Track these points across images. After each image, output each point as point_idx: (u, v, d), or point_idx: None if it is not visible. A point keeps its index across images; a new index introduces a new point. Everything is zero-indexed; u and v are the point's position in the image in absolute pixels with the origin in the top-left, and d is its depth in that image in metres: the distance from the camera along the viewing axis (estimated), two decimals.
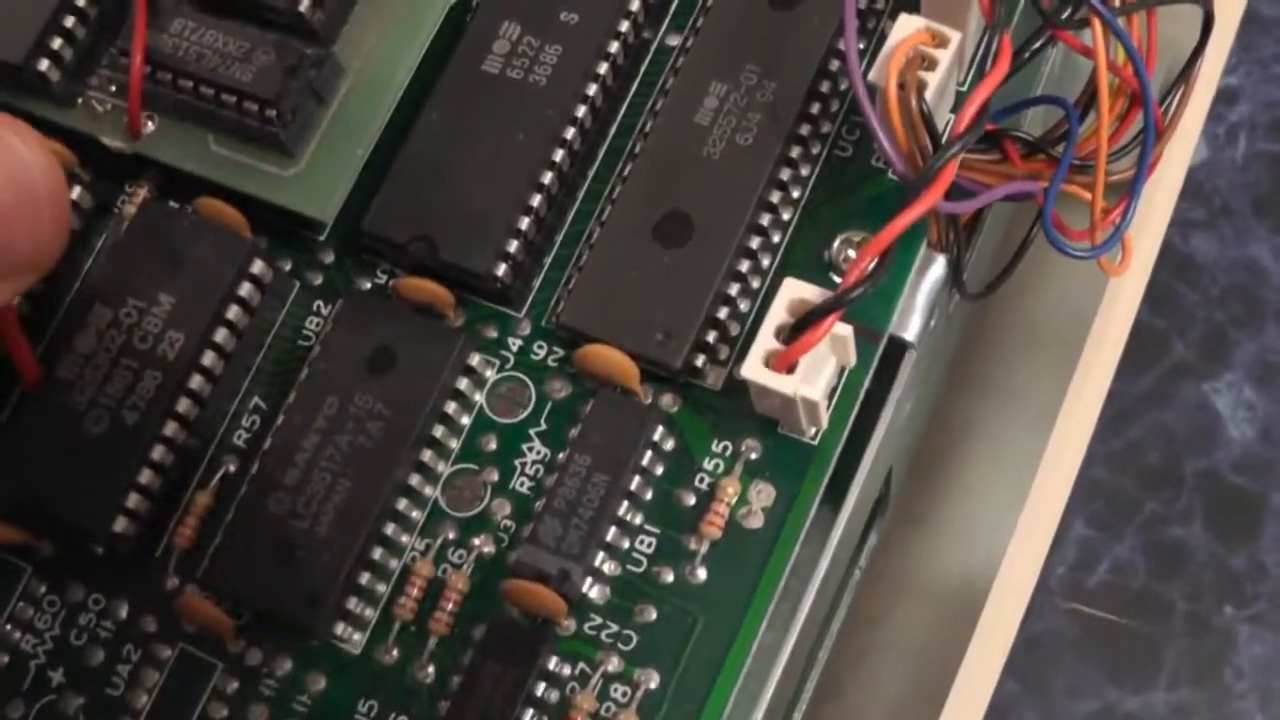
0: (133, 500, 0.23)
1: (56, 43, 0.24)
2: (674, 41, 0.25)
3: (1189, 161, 0.29)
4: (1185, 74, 0.25)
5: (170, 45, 0.24)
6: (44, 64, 0.24)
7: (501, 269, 0.23)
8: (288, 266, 0.25)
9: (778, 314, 0.22)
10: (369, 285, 0.24)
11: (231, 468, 0.24)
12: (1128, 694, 0.30)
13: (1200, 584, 0.30)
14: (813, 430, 0.23)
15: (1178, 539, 0.31)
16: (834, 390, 0.23)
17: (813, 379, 0.22)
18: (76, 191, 0.25)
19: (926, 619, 0.29)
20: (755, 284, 0.24)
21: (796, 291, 0.22)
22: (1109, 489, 0.31)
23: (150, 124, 0.24)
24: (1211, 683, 0.30)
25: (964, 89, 0.25)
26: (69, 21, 0.24)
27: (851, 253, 0.24)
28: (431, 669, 0.23)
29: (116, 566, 0.24)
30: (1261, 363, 0.32)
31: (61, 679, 0.24)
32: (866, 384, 0.23)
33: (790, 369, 0.21)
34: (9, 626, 0.24)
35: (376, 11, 0.24)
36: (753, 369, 0.21)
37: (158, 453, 0.23)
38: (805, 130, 0.24)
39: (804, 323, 0.21)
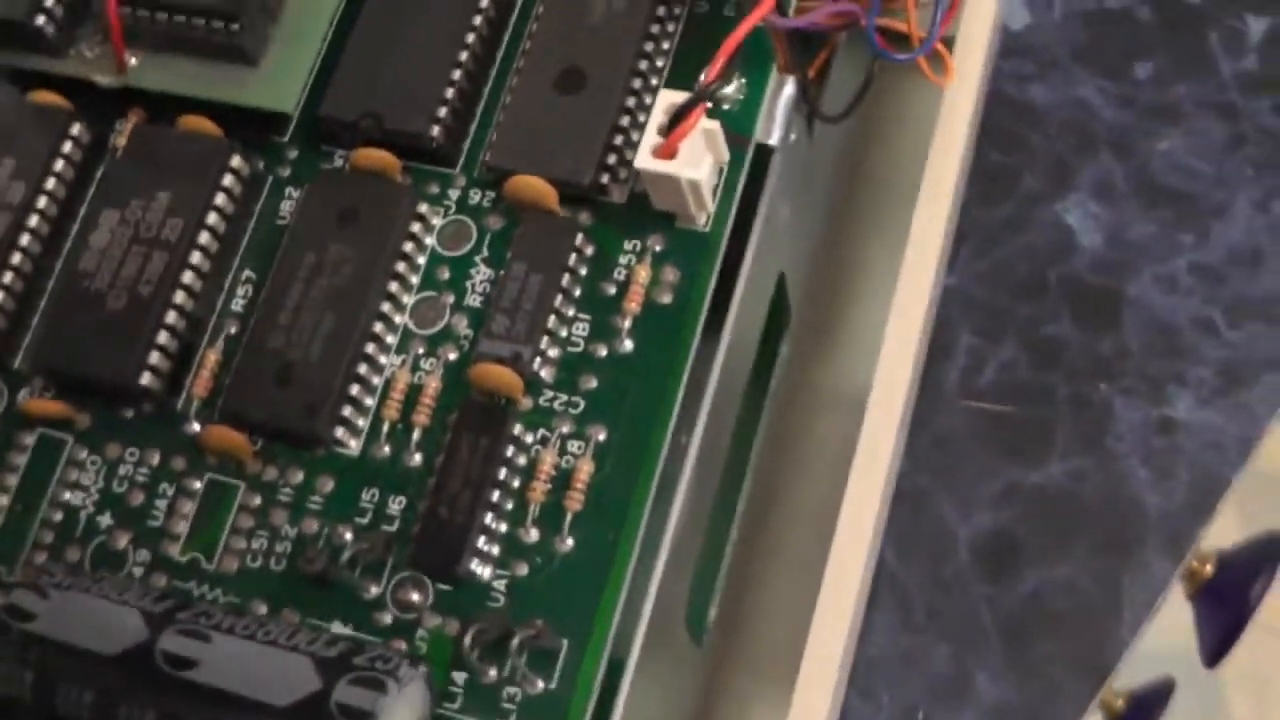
0: (154, 358, 0.28)
1: (49, 1, 0.30)
2: None
3: (997, 3, 0.34)
4: None
5: None
6: (40, 19, 0.30)
7: (435, 130, 0.29)
8: (261, 165, 0.30)
9: (657, 117, 0.27)
10: (328, 168, 0.30)
11: (233, 329, 0.29)
12: (1029, 470, 0.35)
13: (1075, 370, 0.35)
14: (703, 217, 0.28)
15: (1051, 335, 0.36)
16: (717, 187, 0.28)
17: (694, 164, 0.27)
18: (75, 129, 0.30)
19: (838, 423, 0.34)
20: (641, 117, 0.29)
21: (670, 98, 0.27)
22: (987, 302, 0.36)
23: (133, 60, 0.30)
24: (1097, 449, 0.35)
25: None
26: None
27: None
28: (419, 456, 0.27)
29: (145, 422, 0.28)
30: (1100, 182, 0.37)
31: (109, 521, 0.28)
32: (742, 180, 0.28)
33: (673, 156, 0.27)
34: (59, 488, 0.29)
35: None
36: (643, 160, 0.27)
37: (170, 317, 0.28)
38: None
39: (677, 116, 0.27)
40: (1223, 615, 0.39)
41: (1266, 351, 0.35)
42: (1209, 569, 0.38)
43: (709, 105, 0.26)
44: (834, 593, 0.31)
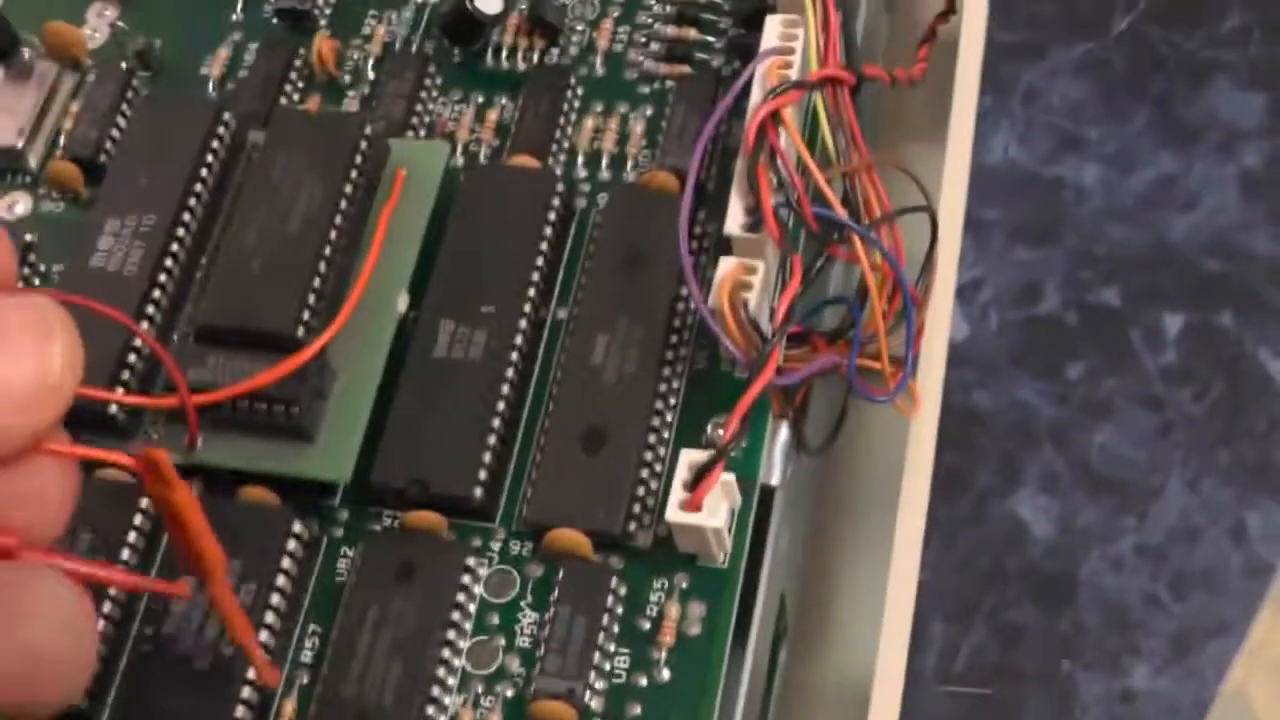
0: (239, 711, 0.31)
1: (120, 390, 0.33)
2: (563, 314, 0.35)
3: (948, 331, 0.39)
4: (927, 260, 0.35)
5: (210, 375, 0.33)
6: (113, 408, 0.33)
7: (477, 491, 0.33)
8: (316, 527, 0.34)
9: (681, 473, 0.31)
10: (379, 528, 0.33)
11: (304, 679, 0.32)
12: None
13: (1039, 650, 0.39)
14: (721, 556, 0.32)
15: (1015, 620, 0.40)
16: (731, 527, 0.32)
17: (715, 513, 0.31)
18: (144, 503, 0.34)
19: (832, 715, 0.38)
20: (658, 468, 0.33)
21: (691, 457, 0.31)
22: (955, 593, 0.40)
23: (199, 439, 0.33)
24: None
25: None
26: (125, 375, 0.34)
27: (721, 431, 0.33)
28: None
29: None
30: (1045, 475, 0.41)
31: None
32: (751, 519, 0.33)
33: (698, 509, 0.31)
34: None
35: (352, 328, 0.34)
36: (673, 514, 0.31)
37: (250, 674, 0.32)
38: (670, 355, 0.34)
39: (700, 475, 0.31)
40: None
41: (1209, 620, 0.40)
42: None
43: (725, 462, 0.31)
44: None
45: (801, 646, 0.39)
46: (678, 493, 0.31)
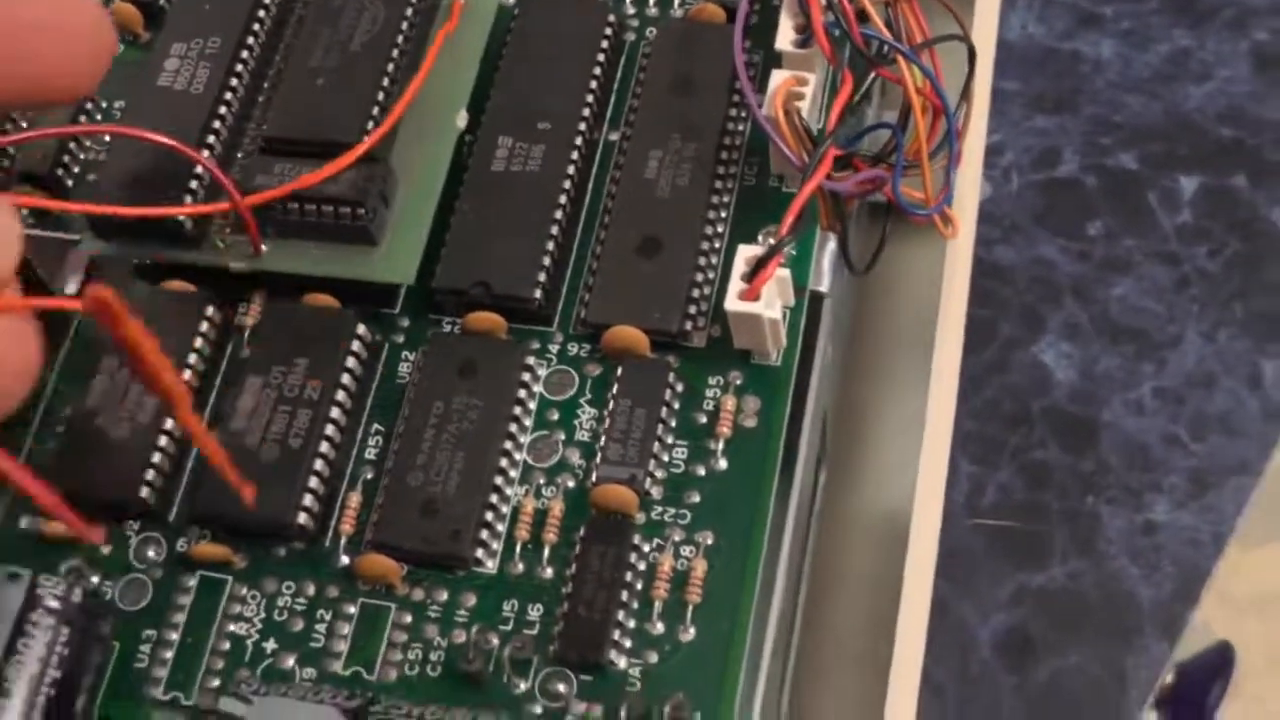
0: (307, 500, 0.31)
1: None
2: (615, 136, 0.36)
3: (979, 179, 0.39)
4: (965, 90, 0.36)
5: (275, 183, 0.33)
6: (180, 218, 0.34)
7: (538, 293, 0.33)
8: (378, 334, 0.34)
9: (739, 268, 0.32)
10: (439, 332, 0.34)
11: (369, 475, 0.32)
12: (1034, 574, 0.39)
13: (1064, 486, 0.40)
14: (775, 352, 0.32)
15: (1039, 459, 0.40)
16: (785, 324, 0.33)
17: (771, 304, 0.31)
18: (209, 310, 0.34)
19: (869, 547, 0.39)
20: (711, 274, 0.33)
21: (749, 251, 0.32)
22: (981, 434, 0.41)
23: (264, 245, 0.34)
24: (1091, 552, 0.39)
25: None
26: (193, 185, 0.34)
27: (771, 240, 0.34)
28: (550, 570, 0.31)
29: (297, 559, 0.32)
30: (1067, 325, 0.42)
31: (274, 646, 0.31)
32: (802, 323, 0.33)
33: (756, 299, 0.31)
34: (225, 621, 0.32)
35: (414, 141, 0.34)
36: (732, 303, 0.31)
37: (318, 465, 0.32)
38: (721, 170, 0.34)
39: (758, 267, 0.31)
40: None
41: (1227, 459, 0.40)
42: (1169, 679, 0.43)
43: (782, 257, 0.31)
44: (898, 693, 0.35)
45: (839, 472, 0.39)
46: (735, 284, 0.31)
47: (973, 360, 0.42)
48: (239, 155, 0.35)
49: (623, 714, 0.29)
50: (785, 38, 0.34)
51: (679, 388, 0.32)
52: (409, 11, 0.35)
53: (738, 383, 0.32)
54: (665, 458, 0.32)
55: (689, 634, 0.30)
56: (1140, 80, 0.45)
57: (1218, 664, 0.46)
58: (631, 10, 0.37)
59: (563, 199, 0.34)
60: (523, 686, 0.30)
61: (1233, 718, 0.50)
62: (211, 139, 0.34)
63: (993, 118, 0.45)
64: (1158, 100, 0.45)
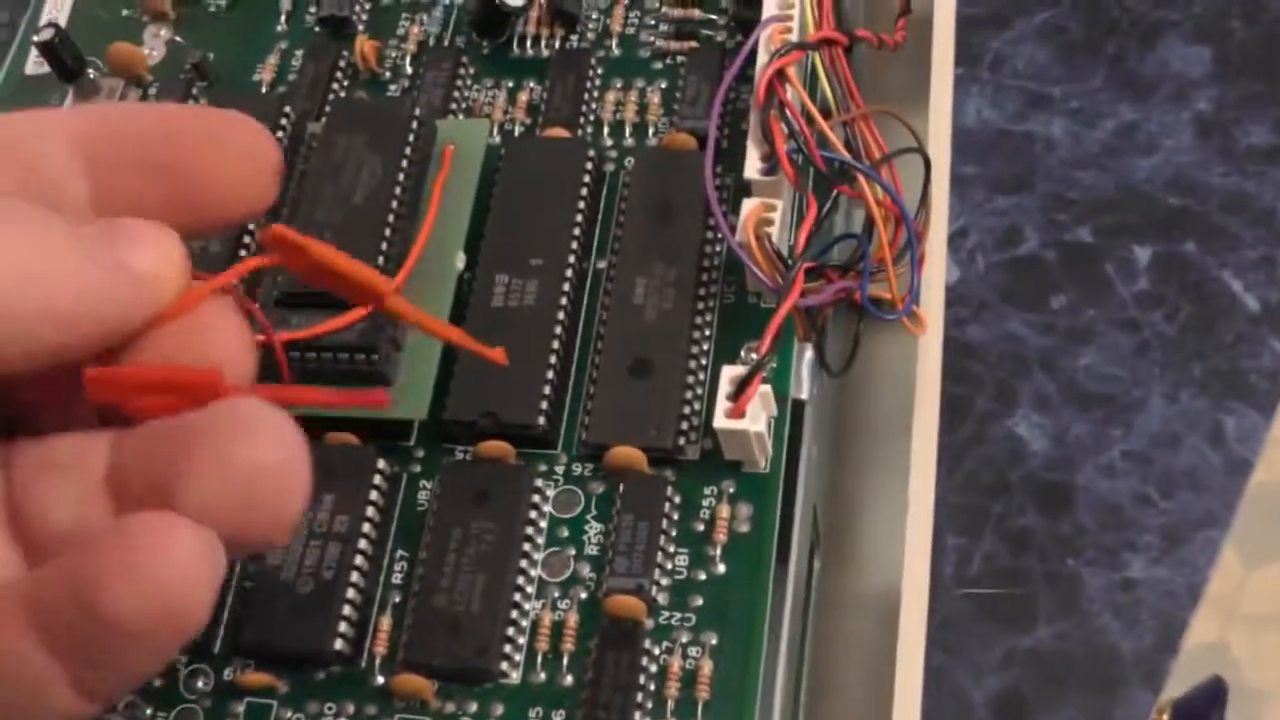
0: (342, 627, 0.34)
1: None
2: (603, 264, 0.38)
3: (944, 270, 0.42)
4: (924, 197, 0.38)
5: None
6: None
7: (541, 419, 0.36)
8: (396, 465, 0.37)
9: (725, 387, 0.34)
10: (455, 459, 0.36)
11: (396, 599, 0.35)
12: (1022, 637, 0.42)
13: (1045, 550, 0.43)
14: (763, 461, 0.35)
15: (1020, 526, 0.43)
16: (769, 435, 0.35)
17: (756, 419, 0.34)
18: None
19: (866, 625, 0.41)
20: (699, 390, 0.36)
21: (732, 372, 0.34)
22: (965, 507, 0.43)
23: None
24: (1075, 612, 0.42)
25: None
26: None
27: (753, 355, 0.36)
28: (570, 676, 0.34)
29: (336, 682, 0.34)
30: (1038, 396, 0.45)
31: None
32: (786, 431, 0.36)
33: (742, 415, 0.34)
34: None
35: (418, 285, 0.36)
36: (721, 422, 0.34)
37: (350, 594, 0.34)
38: (702, 292, 0.37)
39: (741, 386, 0.34)
40: None
41: (1195, 513, 0.43)
42: (1165, 718, 0.45)
43: (763, 374, 0.34)
44: None
45: (832, 558, 0.42)
46: (722, 404, 0.34)
47: (952, 436, 0.44)
48: (257, 306, 0.38)
49: None
50: (752, 167, 0.36)
51: (677, 500, 0.35)
52: (405, 163, 0.38)
53: (730, 491, 0.35)
54: (668, 566, 0.34)
55: None
56: (1091, 155, 0.48)
57: (1212, 699, 0.48)
58: (610, 142, 0.40)
59: (558, 329, 0.36)
60: None
61: None
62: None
63: (956, 202, 0.48)
64: (1109, 173, 0.48)
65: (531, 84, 0.41)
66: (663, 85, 0.41)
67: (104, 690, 0.25)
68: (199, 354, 0.26)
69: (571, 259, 0.37)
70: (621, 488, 0.35)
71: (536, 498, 0.35)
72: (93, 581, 0.23)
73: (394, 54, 0.42)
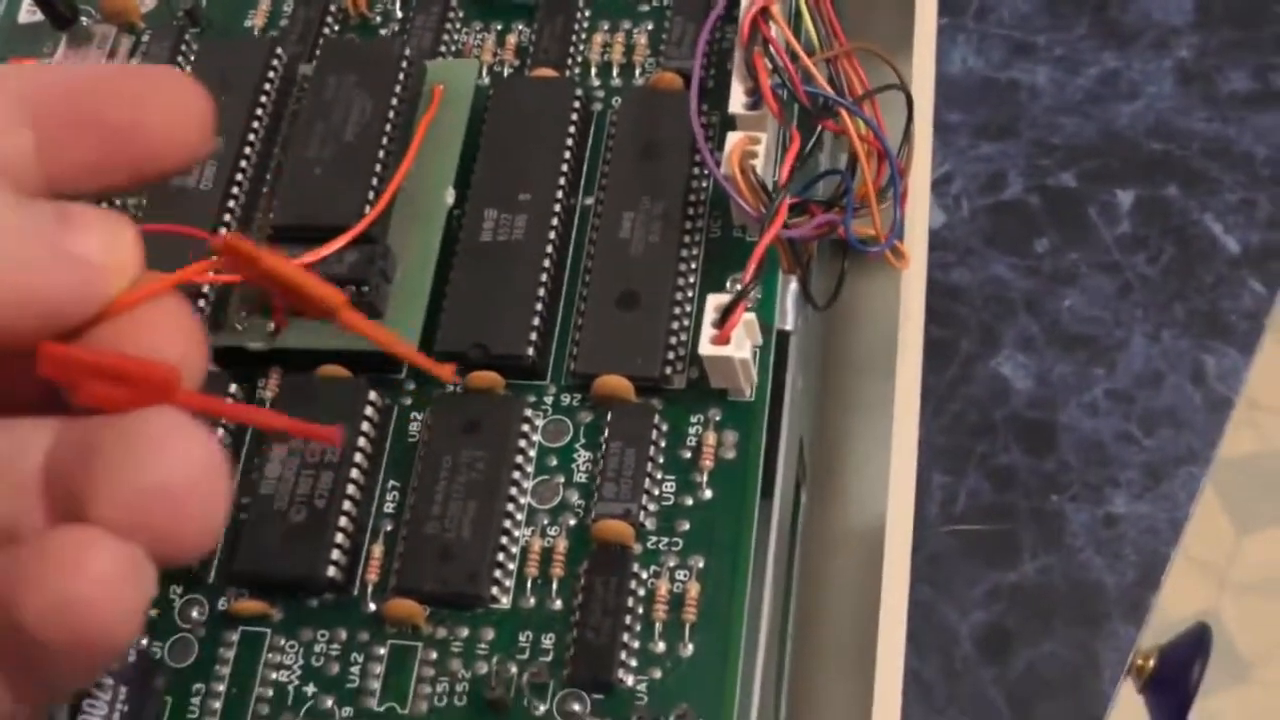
0: (334, 554, 0.34)
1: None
2: (590, 201, 0.39)
3: (928, 210, 0.43)
4: (906, 133, 0.39)
5: None
6: (199, 303, 0.37)
7: (530, 351, 0.36)
8: (387, 397, 0.37)
9: (709, 315, 0.35)
10: (446, 390, 0.37)
11: (388, 527, 0.35)
12: (1006, 572, 0.42)
13: (1029, 488, 0.43)
14: (748, 389, 0.36)
15: (1005, 464, 0.43)
16: (755, 363, 0.36)
17: (741, 346, 0.34)
18: (231, 388, 0.37)
19: (853, 560, 0.42)
20: (685, 322, 0.36)
21: (717, 299, 0.35)
22: (950, 447, 0.44)
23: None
24: (1058, 548, 0.42)
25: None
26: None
27: (738, 285, 0.37)
28: (559, 601, 0.34)
29: (329, 609, 0.35)
30: (1022, 338, 0.45)
31: (314, 689, 0.34)
32: (771, 360, 0.36)
33: (727, 342, 0.34)
34: (266, 670, 0.35)
35: (408, 220, 0.37)
36: (705, 348, 0.34)
37: (342, 521, 0.35)
38: (688, 226, 0.37)
39: (726, 313, 0.34)
40: (1171, 699, 0.47)
41: (1177, 450, 0.43)
42: (1152, 663, 0.46)
43: (747, 303, 0.34)
44: (884, 692, 0.38)
45: (819, 493, 0.42)
46: (707, 330, 0.34)
47: (938, 378, 0.45)
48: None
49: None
50: (737, 101, 0.37)
51: (664, 428, 0.35)
52: (394, 101, 0.38)
53: (717, 419, 0.35)
54: (656, 492, 0.35)
55: (688, 650, 0.33)
56: (1074, 103, 0.49)
57: (1197, 645, 0.49)
58: (597, 82, 0.41)
59: (546, 263, 0.37)
60: (542, 709, 0.33)
61: (1243, 705, 0.53)
62: (224, 231, 0.38)
63: (941, 148, 0.48)
64: (1091, 120, 0.48)
65: (520, 26, 0.42)
66: (649, 27, 0.41)
67: (38, 695, 0.25)
68: (147, 351, 0.25)
69: (559, 194, 0.38)
70: (609, 416, 0.35)
71: (526, 427, 0.36)
72: (11, 594, 0.23)
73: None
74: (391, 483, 0.36)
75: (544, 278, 0.37)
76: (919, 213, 0.42)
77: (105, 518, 0.23)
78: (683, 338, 0.36)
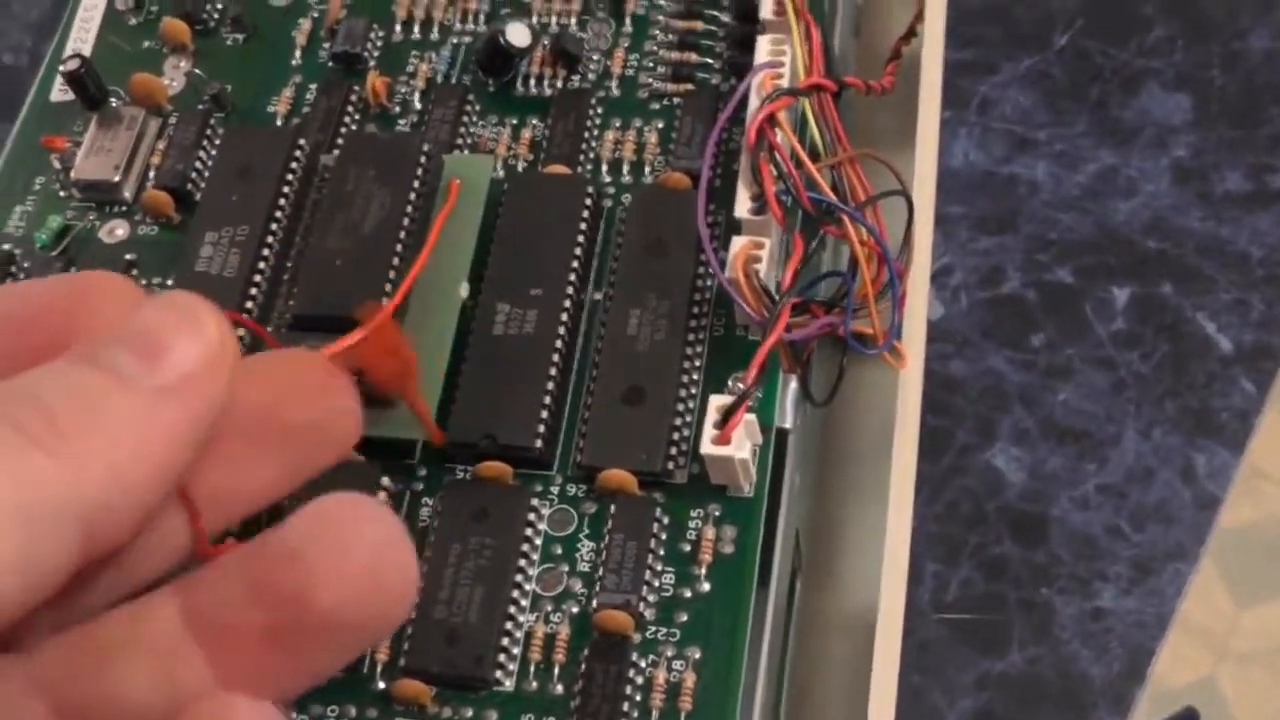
0: None
1: None
2: (599, 295, 0.41)
3: (926, 306, 0.45)
4: (906, 238, 0.41)
5: None
6: None
7: (538, 443, 0.38)
8: (398, 483, 0.39)
9: (712, 415, 0.37)
10: (456, 478, 0.39)
11: None
12: (996, 661, 0.44)
13: (1020, 579, 0.45)
14: (747, 486, 0.38)
15: (997, 555, 0.46)
16: (754, 462, 0.38)
17: (741, 446, 0.37)
18: None
19: (846, 646, 0.44)
20: (688, 418, 0.38)
21: (719, 400, 0.37)
22: (943, 536, 0.46)
23: None
24: (1047, 639, 0.44)
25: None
26: None
27: (740, 385, 0.39)
28: (560, 686, 0.36)
29: (339, 686, 0.37)
30: (1016, 430, 0.47)
31: None
32: (770, 458, 0.38)
33: (728, 443, 0.37)
34: None
35: (423, 312, 0.39)
36: (707, 448, 0.36)
37: None
38: (692, 324, 0.40)
39: (728, 415, 0.37)
40: None
41: (1165, 546, 0.46)
42: None
43: (749, 404, 0.37)
44: None
45: (814, 581, 0.44)
46: (709, 431, 0.36)
47: (933, 467, 0.47)
48: (269, 330, 0.40)
49: None
50: (742, 206, 0.39)
51: (665, 521, 0.37)
52: (413, 195, 0.40)
53: (716, 514, 0.37)
54: (656, 583, 0.37)
55: None
56: (1072, 198, 0.51)
57: None
58: (608, 179, 0.43)
59: (555, 357, 0.39)
60: None
61: None
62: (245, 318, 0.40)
63: (942, 240, 0.50)
64: (1089, 216, 0.50)
65: (534, 121, 0.44)
66: (659, 125, 0.44)
67: None
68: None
69: (570, 290, 0.40)
70: (613, 508, 0.37)
71: (532, 516, 0.38)
72: None
73: (403, 90, 0.45)
74: None
75: (553, 371, 0.39)
76: (917, 309, 0.45)
77: (324, 601, 0.24)
78: (685, 434, 0.38)
